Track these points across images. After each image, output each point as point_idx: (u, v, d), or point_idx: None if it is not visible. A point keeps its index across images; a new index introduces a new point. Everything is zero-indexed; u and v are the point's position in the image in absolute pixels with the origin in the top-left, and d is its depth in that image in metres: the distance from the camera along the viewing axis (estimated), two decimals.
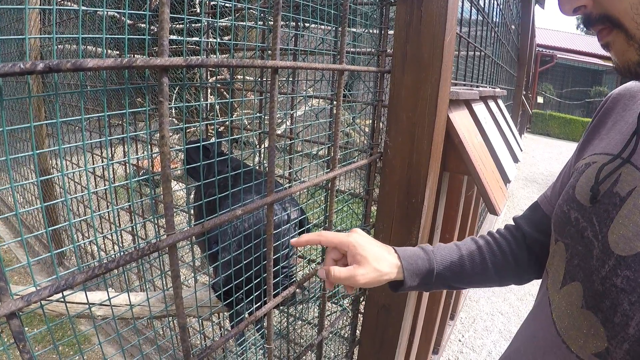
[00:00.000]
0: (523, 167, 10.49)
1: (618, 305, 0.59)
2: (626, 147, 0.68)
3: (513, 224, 1.02)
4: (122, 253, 0.60)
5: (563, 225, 0.75)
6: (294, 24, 1.48)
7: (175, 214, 2.46)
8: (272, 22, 0.73)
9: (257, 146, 1.71)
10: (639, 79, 0.62)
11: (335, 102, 1.01)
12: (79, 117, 0.53)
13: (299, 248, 1.57)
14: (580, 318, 0.66)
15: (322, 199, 1.40)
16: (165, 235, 0.64)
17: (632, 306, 0.57)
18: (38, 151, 0.50)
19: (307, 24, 1.47)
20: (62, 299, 0.84)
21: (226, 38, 3.23)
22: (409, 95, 1.17)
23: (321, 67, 0.88)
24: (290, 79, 1.56)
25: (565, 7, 0.61)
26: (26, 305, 0.49)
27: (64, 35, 2.71)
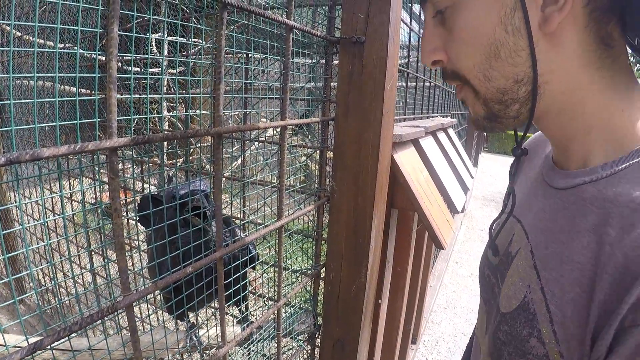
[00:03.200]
0: (481, 187, 10.74)
1: (501, 356, 0.65)
2: (508, 201, 0.75)
3: None
4: (82, 314, 0.64)
5: (481, 281, 0.82)
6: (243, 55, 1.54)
7: (134, 252, 2.46)
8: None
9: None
10: (486, 131, 0.69)
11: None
12: (37, 198, 0.58)
13: (255, 287, 1.60)
14: None
15: (274, 237, 1.45)
16: (122, 297, 0.68)
17: (510, 356, 0.63)
18: (4, 232, 0.55)
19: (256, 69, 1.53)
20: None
21: (180, 69, 3.27)
22: (353, 142, 1.24)
23: (264, 127, 0.94)
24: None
25: (424, 58, 0.67)
26: None
27: (21, 75, 2.72)
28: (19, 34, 2.82)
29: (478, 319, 0.84)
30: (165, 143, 2.35)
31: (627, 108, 0.57)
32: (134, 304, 0.70)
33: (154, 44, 2.80)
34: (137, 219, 1.39)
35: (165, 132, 0.71)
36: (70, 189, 2.68)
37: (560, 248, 0.58)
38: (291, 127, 1.47)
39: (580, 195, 0.58)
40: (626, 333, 0.46)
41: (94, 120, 0.68)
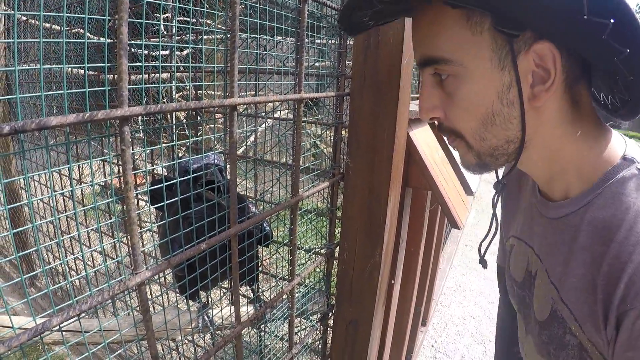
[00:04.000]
0: None
1: (549, 352, 0.81)
2: (493, 219, 0.91)
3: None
4: (93, 292, 0.62)
5: (513, 297, 0.99)
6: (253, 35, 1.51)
7: (144, 232, 2.45)
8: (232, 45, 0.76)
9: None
10: (475, 174, 0.83)
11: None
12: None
13: (268, 267, 1.58)
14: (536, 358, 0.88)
15: (287, 217, 1.43)
16: (133, 274, 0.66)
17: (555, 351, 0.79)
18: (9, 206, 0.52)
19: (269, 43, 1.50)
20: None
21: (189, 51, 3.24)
22: (368, 118, 1.20)
23: (279, 99, 0.91)
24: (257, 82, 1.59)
25: (423, 114, 0.78)
26: (7, 351, 0.51)
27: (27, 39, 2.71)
28: (24, 18, 2.79)
29: (518, 323, 1.00)
30: (174, 118, 2.32)
31: (594, 145, 0.72)
32: (145, 283, 0.68)
33: (162, 26, 2.77)
34: (149, 199, 1.37)
35: (179, 102, 0.68)
36: (79, 172, 2.67)
37: (566, 265, 0.73)
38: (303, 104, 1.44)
39: (568, 223, 0.74)
40: (623, 317, 0.61)
41: (104, 89, 0.65)
